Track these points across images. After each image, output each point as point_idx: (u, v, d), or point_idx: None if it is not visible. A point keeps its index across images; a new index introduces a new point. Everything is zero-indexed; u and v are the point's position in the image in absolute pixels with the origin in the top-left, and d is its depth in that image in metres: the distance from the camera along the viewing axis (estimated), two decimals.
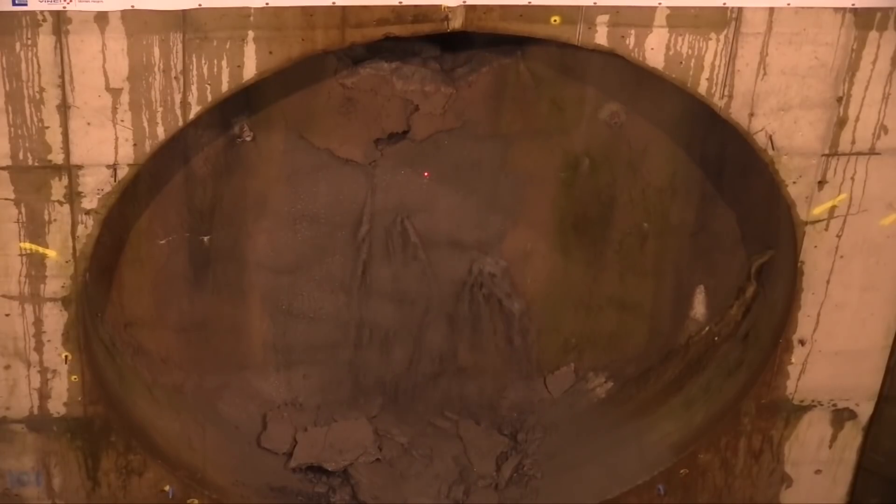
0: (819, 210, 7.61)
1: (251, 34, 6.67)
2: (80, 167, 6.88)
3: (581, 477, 8.67)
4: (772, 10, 6.93)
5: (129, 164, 6.92)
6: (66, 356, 7.42)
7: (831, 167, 7.48)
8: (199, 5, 6.56)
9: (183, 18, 6.59)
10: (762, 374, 8.21)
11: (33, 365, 7.44)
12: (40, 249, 7.09)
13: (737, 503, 8.72)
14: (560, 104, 7.88)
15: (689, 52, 7.01)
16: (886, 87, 7.25)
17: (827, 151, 7.42)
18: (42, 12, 6.46)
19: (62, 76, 6.63)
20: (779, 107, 7.23)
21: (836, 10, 6.97)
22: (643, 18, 6.89)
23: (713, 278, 8.57)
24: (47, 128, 6.76)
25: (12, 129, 6.74)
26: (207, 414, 8.45)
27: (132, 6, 6.50)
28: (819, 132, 7.35)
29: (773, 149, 7.36)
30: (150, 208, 7.78)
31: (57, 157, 6.84)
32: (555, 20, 6.85)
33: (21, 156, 6.81)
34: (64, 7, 6.46)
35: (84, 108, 6.73)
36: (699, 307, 8.68)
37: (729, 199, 8.25)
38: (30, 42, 6.52)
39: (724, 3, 6.90)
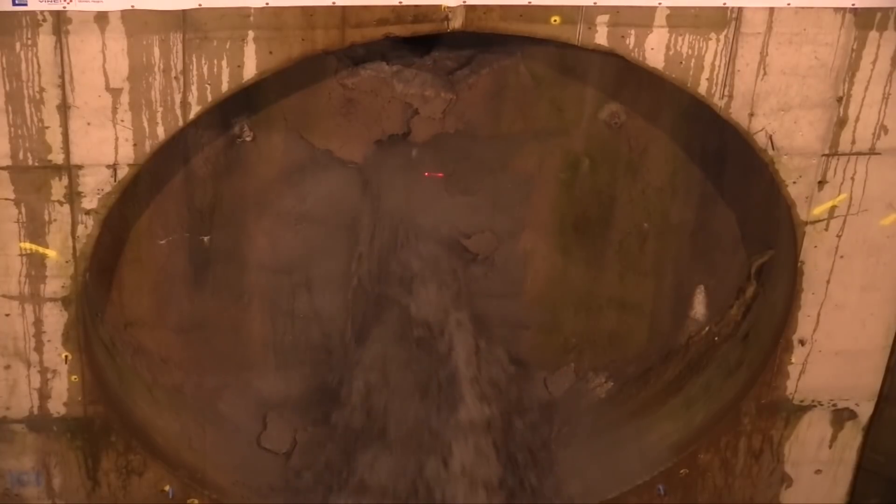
0: (819, 210, 7.61)
1: (251, 34, 6.68)
2: (80, 167, 6.88)
3: (581, 477, 8.67)
4: (772, 10, 6.93)
5: (129, 164, 6.93)
6: (66, 356, 7.42)
7: (831, 167, 7.48)
8: (199, 5, 6.56)
9: (183, 18, 6.59)
10: (762, 374, 8.22)
11: (33, 365, 7.44)
12: (40, 249, 7.09)
13: (737, 503, 8.73)
14: (560, 104, 7.88)
15: (689, 52, 7.01)
16: (886, 87, 7.25)
17: (827, 151, 7.42)
18: (42, 12, 6.46)
19: (62, 76, 6.63)
20: (779, 107, 7.23)
21: (836, 10, 6.98)
22: (643, 18, 6.89)
23: (713, 278, 8.57)
24: (47, 128, 6.76)
25: (12, 129, 6.74)
26: (207, 414, 8.45)
27: (132, 6, 6.50)
28: (819, 132, 7.35)
29: (773, 149, 7.36)
30: (150, 208, 7.78)
31: (57, 157, 6.84)
32: (555, 20, 6.85)
33: (21, 156, 6.81)
34: (64, 7, 6.46)
35: (84, 108, 6.73)
36: (699, 307, 8.68)
37: (729, 199, 8.25)
38: (30, 42, 6.52)
39: (724, 3, 6.90)
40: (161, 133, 6.87)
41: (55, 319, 7.32)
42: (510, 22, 6.85)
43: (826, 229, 7.68)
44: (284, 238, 8.14)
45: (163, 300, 8.15)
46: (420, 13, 6.76)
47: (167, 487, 8.06)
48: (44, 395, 7.56)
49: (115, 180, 6.95)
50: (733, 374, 8.44)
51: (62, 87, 6.66)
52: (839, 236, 7.71)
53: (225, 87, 6.81)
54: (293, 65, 6.84)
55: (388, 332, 8.32)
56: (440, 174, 8.06)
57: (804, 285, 7.86)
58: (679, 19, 6.91)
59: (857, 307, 7.98)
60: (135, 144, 6.88)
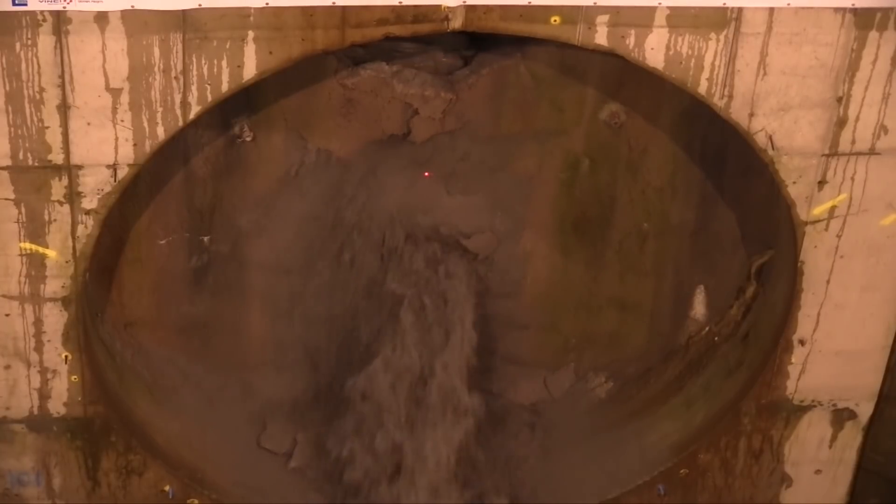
0: (819, 210, 7.61)
1: (251, 34, 6.68)
2: (80, 167, 6.89)
3: (581, 477, 8.67)
4: (772, 10, 6.93)
5: (129, 164, 6.93)
6: (66, 356, 7.43)
7: (831, 167, 7.49)
8: (199, 5, 6.56)
9: (183, 18, 6.59)
10: (762, 374, 8.22)
11: (33, 365, 7.45)
12: (40, 249, 7.09)
13: (737, 503, 8.73)
14: (560, 104, 7.88)
15: (689, 52, 7.01)
16: (886, 87, 7.25)
17: (827, 151, 7.42)
18: (42, 12, 6.47)
19: (62, 76, 6.63)
20: (779, 107, 7.23)
21: (836, 10, 6.98)
22: (643, 18, 6.89)
23: (713, 278, 8.57)
24: (47, 128, 6.76)
25: (12, 129, 6.74)
26: (207, 414, 8.45)
27: (132, 6, 6.50)
28: (819, 132, 7.35)
29: (773, 149, 7.37)
30: (150, 208, 7.79)
31: (57, 157, 6.84)
32: (555, 20, 6.85)
33: (21, 156, 6.81)
34: (64, 7, 6.46)
35: (84, 108, 6.73)
36: (699, 307, 8.68)
37: (729, 199, 8.26)
38: (30, 42, 6.53)
39: (724, 3, 6.90)
40: (161, 133, 6.87)
41: (55, 319, 7.32)
42: (510, 22, 6.85)
43: (826, 229, 7.68)
44: (284, 238, 8.14)
45: (163, 300, 8.15)
46: (420, 13, 6.77)
47: (167, 487, 8.06)
48: (44, 395, 7.56)
49: (115, 180, 6.96)
50: (733, 374, 8.44)
51: (62, 87, 6.66)
52: (839, 236, 7.71)
53: (225, 87, 6.81)
54: (293, 65, 6.84)
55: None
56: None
57: (804, 285, 7.86)
58: (679, 19, 6.91)
59: (857, 307, 7.98)
60: (135, 144, 6.88)
